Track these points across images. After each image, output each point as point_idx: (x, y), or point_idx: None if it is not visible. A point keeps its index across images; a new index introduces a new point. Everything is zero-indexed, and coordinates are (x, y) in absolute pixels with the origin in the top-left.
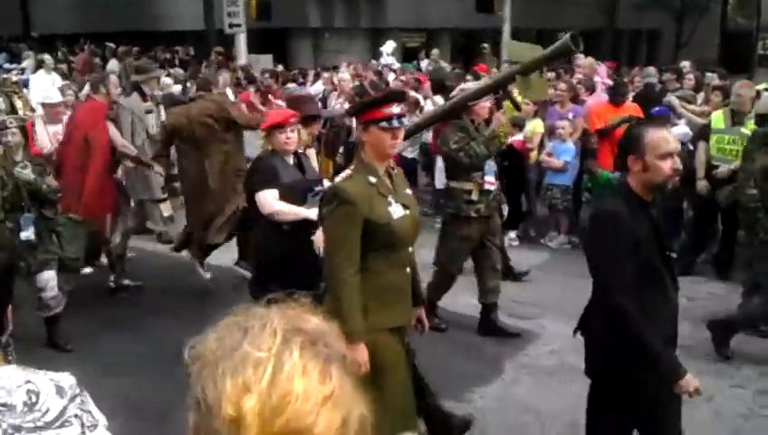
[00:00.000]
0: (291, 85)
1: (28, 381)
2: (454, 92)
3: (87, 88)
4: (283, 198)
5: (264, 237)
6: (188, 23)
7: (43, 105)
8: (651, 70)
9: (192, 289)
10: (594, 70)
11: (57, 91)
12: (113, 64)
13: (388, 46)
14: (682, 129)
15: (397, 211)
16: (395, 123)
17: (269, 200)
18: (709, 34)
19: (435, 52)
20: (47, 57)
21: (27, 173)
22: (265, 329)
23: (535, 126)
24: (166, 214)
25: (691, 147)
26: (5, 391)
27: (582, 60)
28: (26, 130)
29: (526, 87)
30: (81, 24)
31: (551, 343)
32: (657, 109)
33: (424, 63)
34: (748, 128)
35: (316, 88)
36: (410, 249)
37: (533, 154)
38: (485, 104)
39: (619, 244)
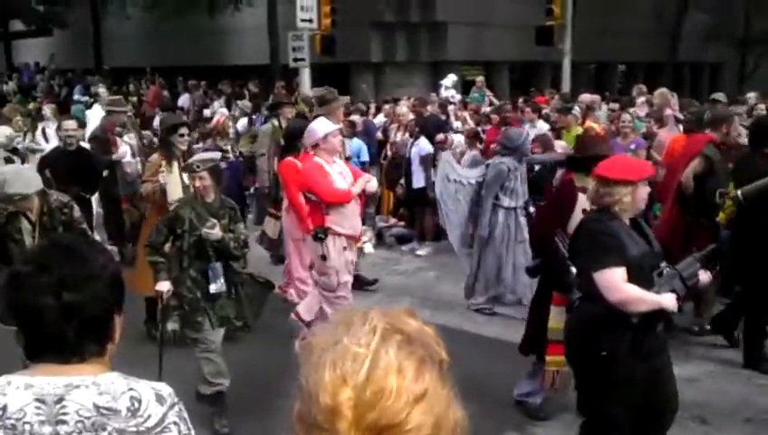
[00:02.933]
0: (355, 117)
1: (131, 389)
2: None
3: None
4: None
5: (601, 332)
6: (254, 57)
7: None
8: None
9: None
10: (667, 101)
11: None
12: (185, 98)
13: (449, 79)
14: None
15: None
16: None
17: (617, 283)
18: None
19: (479, 79)
20: (102, 90)
21: (215, 233)
22: (365, 326)
23: None
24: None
25: None
26: (111, 397)
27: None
28: (219, 171)
29: None
30: (150, 58)
31: None
32: None
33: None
34: None
35: (378, 120)
36: None
37: None
38: None
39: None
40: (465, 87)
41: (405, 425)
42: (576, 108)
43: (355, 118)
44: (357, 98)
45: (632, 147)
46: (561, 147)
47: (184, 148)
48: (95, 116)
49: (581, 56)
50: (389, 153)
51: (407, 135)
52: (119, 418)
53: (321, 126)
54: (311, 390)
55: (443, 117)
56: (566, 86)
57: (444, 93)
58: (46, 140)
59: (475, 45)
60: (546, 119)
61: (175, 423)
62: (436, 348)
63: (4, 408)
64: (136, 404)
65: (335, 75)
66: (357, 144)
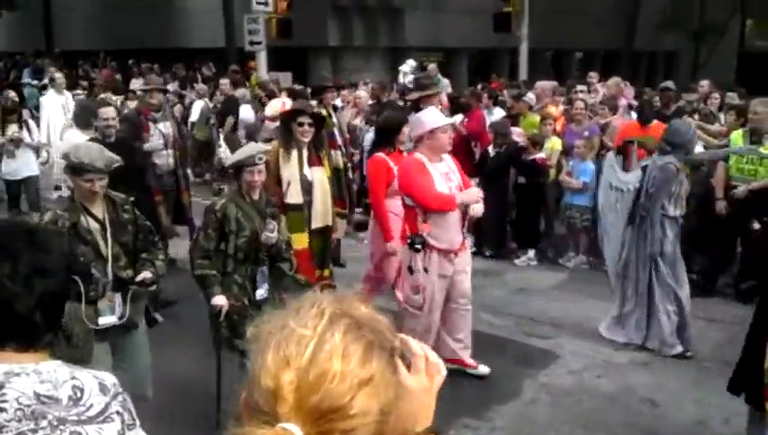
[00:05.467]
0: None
1: (74, 377)
2: None
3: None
4: None
5: None
6: (209, 40)
7: None
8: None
9: None
10: (621, 90)
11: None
12: (137, 82)
13: (408, 65)
14: (698, 149)
15: None
16: None
17: None
18: (727, 56)
19: (431, 66)
20: (58, 75)
21: (275, 237)
22: (313, 309)
23: (554, 144)
24: None
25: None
26: (52, 385)
27: (609, 80)
28: (268, 165)
29: None
30: (102, 40)
31: (569, 363)
32: None
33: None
34: (766, 147)
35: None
36: None
37: (552, 172)
38: None
39: None
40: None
41: (349, 409)
42: (529, 94)
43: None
44: (315, 82)
45: (586, 133)
46: (518, 134)
47: (305, 139)
48: (50, 102)
49: (539, 43)
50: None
51: (362, 121)
52: (59, 406)
53: (430, 118)
54: (255, 374)
55: (400, 103)
56: (524, 73)
57: (402, 79)
58: (29, 131)
59: (434, 31)
60: (502, 105)
61: (118, 413)
62: (388, 335)
63: None
64: (78, 393)
65: (292, 59)
66: None
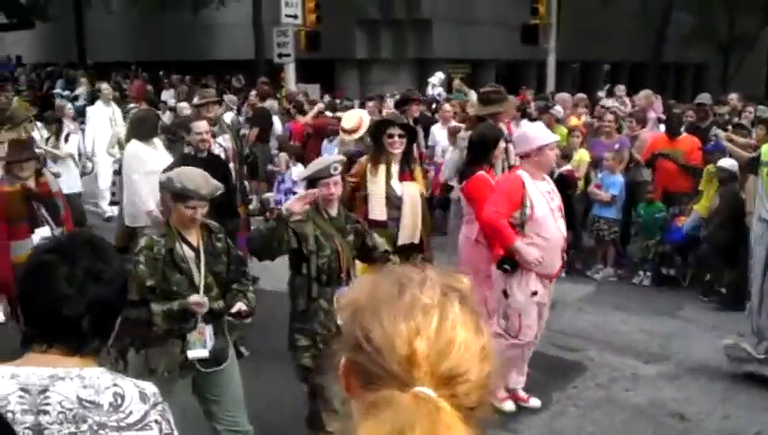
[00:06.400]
0: (341, 114)
1: (116, 384)
2: None
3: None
4: None
5: None
6: (238, 52)
7: None
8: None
9: None
10: (651, 103)
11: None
12: (169, 93)
13: (437, 77)
14: (728, 161)
15: None
16: None
17: None
18: (756, 69)
19: (457, 81)
20: (105, 86)
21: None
22: (426, 282)
23: (582, 156)
24: None
25: None
26: (94, 390)
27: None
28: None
29: None
30: (134, 52)
31: (597, 375)
32: (711, 144)
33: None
34: None
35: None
36: None
37: (580, 184)
38: None
39: None
40: (450, 85)
41: (470, 374)
42: (557, 107)
43: (342, 114)
44: (343, 94)
45: (616, 146)
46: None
47: (396, 152)
48: (97, 113)
49: (566, 55)
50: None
51: None
52: (100, 412)
53: (538, 134)
54: (378, 343)
55: (428, 114)
56: (551, 85)
57: (431, 91)
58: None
59: (461, 43)
60: (530, 117)
61: (156, 422)
62: (480, 309)
63: None
64: (119, 400)
65: (320, 71)
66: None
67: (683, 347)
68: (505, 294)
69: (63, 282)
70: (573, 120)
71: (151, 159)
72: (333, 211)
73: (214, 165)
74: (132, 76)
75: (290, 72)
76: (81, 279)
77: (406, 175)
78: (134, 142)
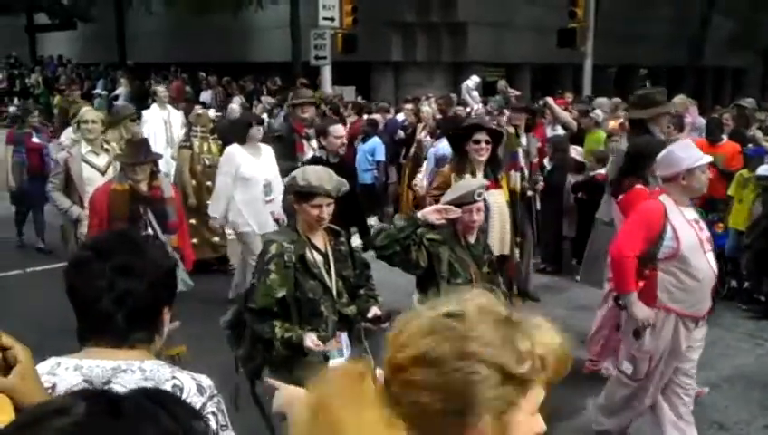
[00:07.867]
0: (377, 116)
1: (174, 377)
2: None
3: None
4: None
5: None
6: (276, 55)
7: None
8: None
9: None
10: (687, 108)
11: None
12: (207, 94)
13: (473, 81)
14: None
15: None
16: None
17: None
18: None
19: (501, 84)
20: (161, 89)
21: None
22: (497, 299)
23: None
24: None
25: None
26: (155, 383)
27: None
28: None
29: None
30: (173, 54)
31: None
32: (752, 148)
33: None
34: None
35: (399, 118)
36: None
37: None
38: None
39: None
40: (485, 88)
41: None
42: (597, 111)
43: (377, 117)
44: (378, 96)
45: None
46: (577, 151)
47: (481, 158)
48: (153, 116)
49: (603, 59)
50: (413, 151)
51: (427, 136)
52: None
53: (688, 153)
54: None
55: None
56: (587, 89)
57: (466, 95)
58: None
59: (496, 46)
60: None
61: (213, 414)
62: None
63: (54, 387)
64: (178, 392)
65: (356, 74)
66: (373, 143)
67: (721, 355)
68: (636, 333)
69: (96, 277)
70: (612, 124)
71: (245, 163)
72: (472, 238)
73: (347, 171)
74: (171, 77)
75: (326, 75)
76: (111, 274)
77: (491, 182)
78: (234, 146)
